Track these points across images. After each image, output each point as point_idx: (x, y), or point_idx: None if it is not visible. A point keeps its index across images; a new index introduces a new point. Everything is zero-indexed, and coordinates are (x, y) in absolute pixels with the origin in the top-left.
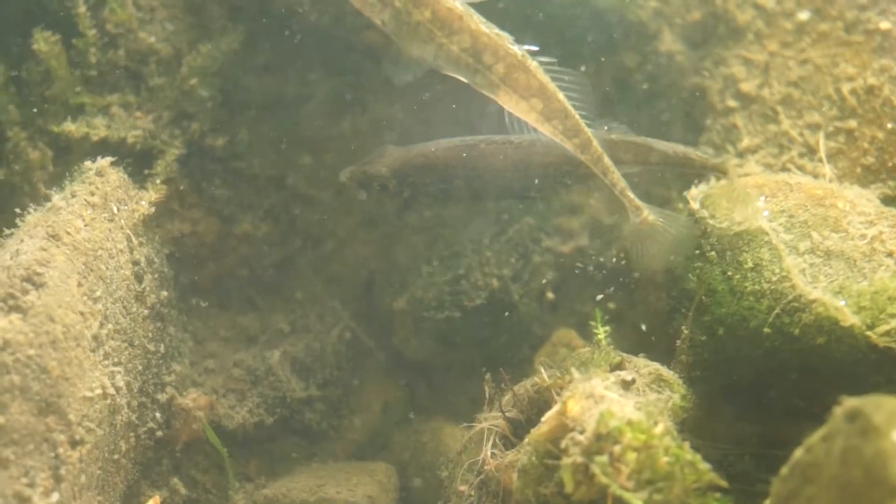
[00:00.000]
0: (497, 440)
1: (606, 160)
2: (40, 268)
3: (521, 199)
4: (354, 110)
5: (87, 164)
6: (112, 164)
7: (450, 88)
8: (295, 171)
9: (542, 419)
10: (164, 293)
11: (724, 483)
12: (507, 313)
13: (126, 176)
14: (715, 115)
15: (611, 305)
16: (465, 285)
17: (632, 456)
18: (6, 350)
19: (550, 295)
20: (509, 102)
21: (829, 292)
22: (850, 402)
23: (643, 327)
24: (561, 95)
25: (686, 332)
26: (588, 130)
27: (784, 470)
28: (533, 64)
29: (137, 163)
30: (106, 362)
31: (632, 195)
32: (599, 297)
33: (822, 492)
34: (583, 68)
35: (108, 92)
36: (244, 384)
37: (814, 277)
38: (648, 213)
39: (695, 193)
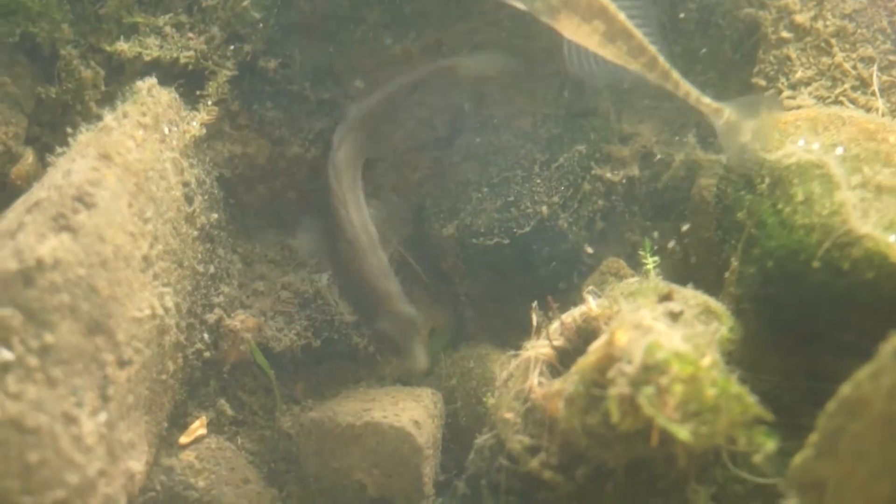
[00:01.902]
0: (544, 368)
1: (675, 74)
2: (91, 188)
3: None
4: (407, 34)
5: (139, 84)
6: (163, 84)
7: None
8: (346, 95)
9: (590, 349)
10: (214, 215)
11: (769, 416)
12: (555, 240)
13: (177, 97)
14: (768, 47)
15: (658, 235)
16: (514, 212)
17: (678, 388)
18: (56, 269)
19: (600, 224)
20: (570, 27)
21: (879, 227)
22: None
23: (692, 258)
24: (622, 16)
25: (735, 264)
26: (653, 48)
27: (831, 405)
28: None
29: (189, 84)
30: (155, 283)
31: (707, 100)
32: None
33: (868, 428)
34: None
35: (162, 12)
36: (292, 307)
37: (864, 212)
38: (729, 113)
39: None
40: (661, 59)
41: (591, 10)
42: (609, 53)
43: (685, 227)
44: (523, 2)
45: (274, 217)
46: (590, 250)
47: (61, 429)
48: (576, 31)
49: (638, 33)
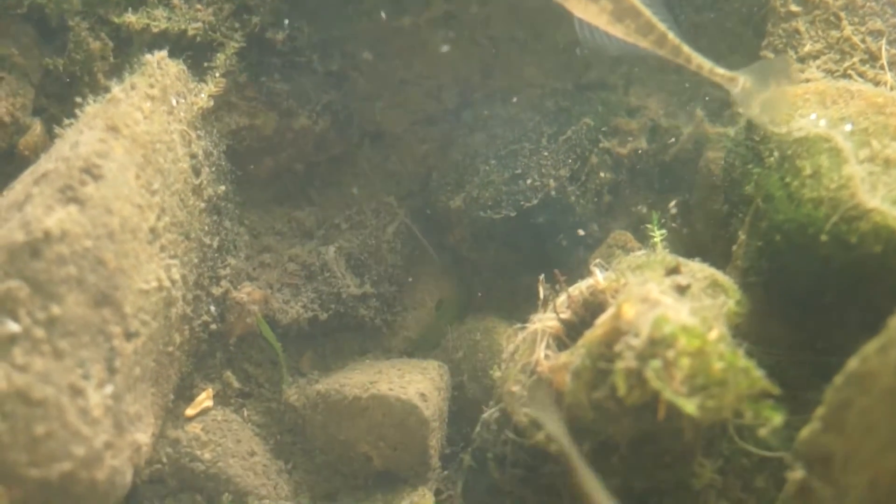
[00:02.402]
0: (550, 341)
1: (686, 48)
2: (99, 160)
3: None
4: (415, 6)
5: (148, 56)
6: (171, 56)
7: None
8: (354, 67)
9: (597, 322)
10: (222, 187)
11: (776, 390)
12: (563, 213)
13: (185, 69)
14: (777, 20)
15: (668, 208)
16: (521, 185)
17: (685, 361)
18: (64, 241)
19: (607, 196)
20: (579, 6)
21: (887, 201)
22: None
23: (686, 230)
24: None
25: (743, 237)
26: (661, 25)
27: (838, 379)
28: None
29: (197, 56)
30: (162, 255)
31: (721, 70)
32: (672, 204)
33: (876, 403)
34: None
35: None
36: (299, 279)
37: (872, 186)
38: (744, 80)
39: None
40: (671, 35)
41: None
42: (618, 32)
43: (673, 203)
44: None
45: (281, 189)
46: (581, 233)
47: (68, 401)
48: (584, 10)
49: (646, 10)
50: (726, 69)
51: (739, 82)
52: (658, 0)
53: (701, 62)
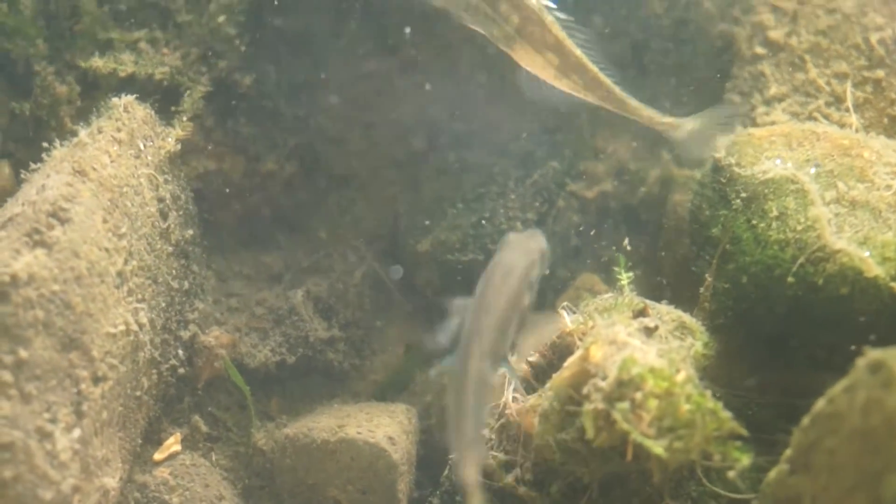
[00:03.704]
0: (518, 384)
1: (631, 101)
2: (66, 203)
3: None
4: (382, 51)
5: (115, 100)
6: (139, 100)
7: (472, 33)
8: (321, 111)
9: (565, 364)
10: (189, 231)
11: (744, 432)
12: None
13: (153, 112)
14: (742, 63)
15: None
16: (489, 228)
17: (653, 403)
18: (31, 285)
19: (574, 240)
20: (525, 57)
21: (853, 243)
22: (873, 354)
23: (666, 274)
24: (578, 51)
25: (710, 279)
26: (607, 80)
27: (805, 420)
28: (549, 18)
29: (164, 99)
30: (130, 299)
31: (665, 119)
32: (626, 242)
33: (843, 443)
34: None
35: (137, 28)
36: (267, 323)
37: (839, 227)
38: (687, 125)
39: (721, 141)
40: (617, 90)
41: (546, 42)
42: (565, 86)
43: (626, 241)
44: (483, 27)
45: (248, 233)
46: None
47: (35, 445)
48: (531, 63)
49: (592, 67)
50: (685, 115)
51: (681, 127)
52: (604, 61)
53: (647, 114)
